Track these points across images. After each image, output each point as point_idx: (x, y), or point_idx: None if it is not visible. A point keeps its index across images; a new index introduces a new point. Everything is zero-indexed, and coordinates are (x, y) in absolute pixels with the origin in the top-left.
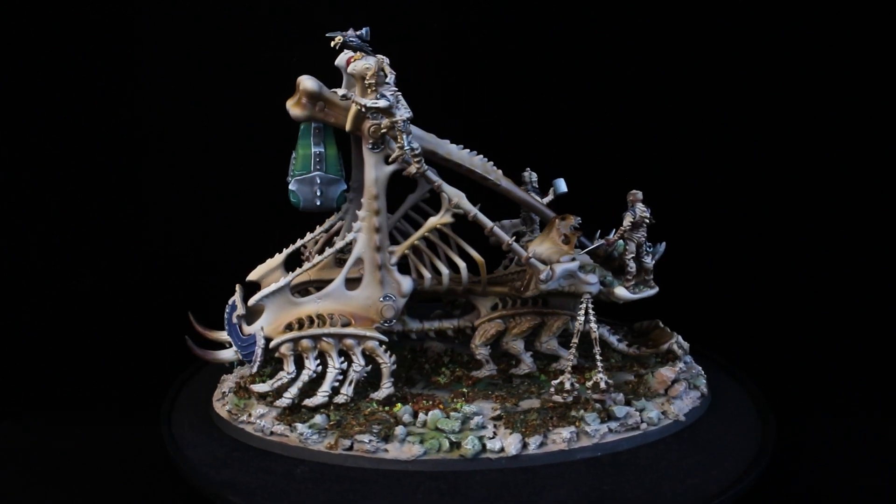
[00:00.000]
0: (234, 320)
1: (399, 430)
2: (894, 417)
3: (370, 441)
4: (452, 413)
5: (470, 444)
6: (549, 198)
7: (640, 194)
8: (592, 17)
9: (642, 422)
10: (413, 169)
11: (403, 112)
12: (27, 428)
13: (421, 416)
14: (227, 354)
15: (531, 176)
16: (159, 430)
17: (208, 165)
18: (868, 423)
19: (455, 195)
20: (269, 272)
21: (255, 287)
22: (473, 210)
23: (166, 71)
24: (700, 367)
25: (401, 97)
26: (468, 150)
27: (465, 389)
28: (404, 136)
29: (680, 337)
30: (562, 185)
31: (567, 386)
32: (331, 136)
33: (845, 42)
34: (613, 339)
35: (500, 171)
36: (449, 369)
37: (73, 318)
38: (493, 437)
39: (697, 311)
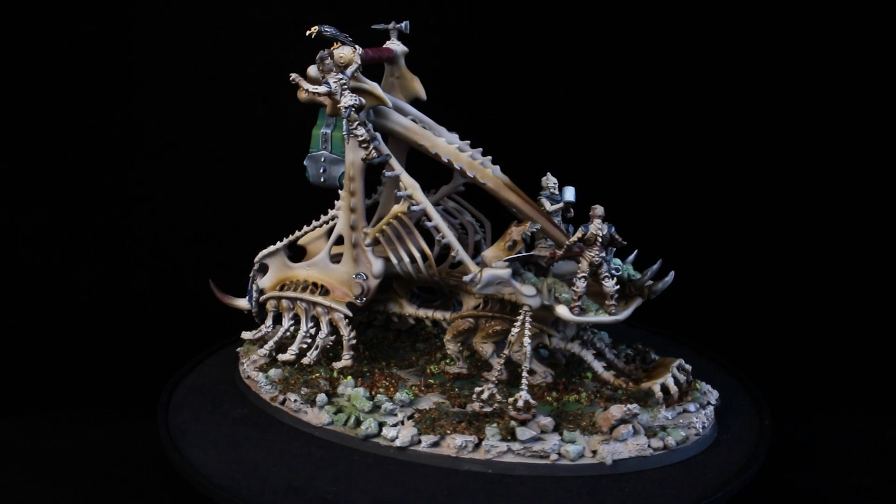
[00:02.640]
0: (252, 273)
1: (321, 397)
2: (892, 416)
3: (295, 401)
4: (379, 395)
5: (366, 426)
6: (558, 205)
7: (599, 210)
8: (591, 18)
9: (556, 453)
10: (363, 155)
11: (347, 100)
12: (23, 427)
13: (348, 390)
14: (242, 303)
15: (548, 181)
16: (156, 426)
17: (206, 164)
18: (866, 422)
19: (410, 186)
20: (315, 239)
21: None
22: (424, 202)
23: (164, 70)
24: (699, 424)
25: (363, 82)
26: (460, 146)
27: (431, 381)
28: (344, 122)
29: (670, 381)
30: (568, 194)
31: (485, 396)
32: (340, 120)
33: (844, 43)
34: (598, 366)
35: (488, 170)
36: (448, 363)
37: (70, 316)
38: (394, 426)
39: (697, 311)
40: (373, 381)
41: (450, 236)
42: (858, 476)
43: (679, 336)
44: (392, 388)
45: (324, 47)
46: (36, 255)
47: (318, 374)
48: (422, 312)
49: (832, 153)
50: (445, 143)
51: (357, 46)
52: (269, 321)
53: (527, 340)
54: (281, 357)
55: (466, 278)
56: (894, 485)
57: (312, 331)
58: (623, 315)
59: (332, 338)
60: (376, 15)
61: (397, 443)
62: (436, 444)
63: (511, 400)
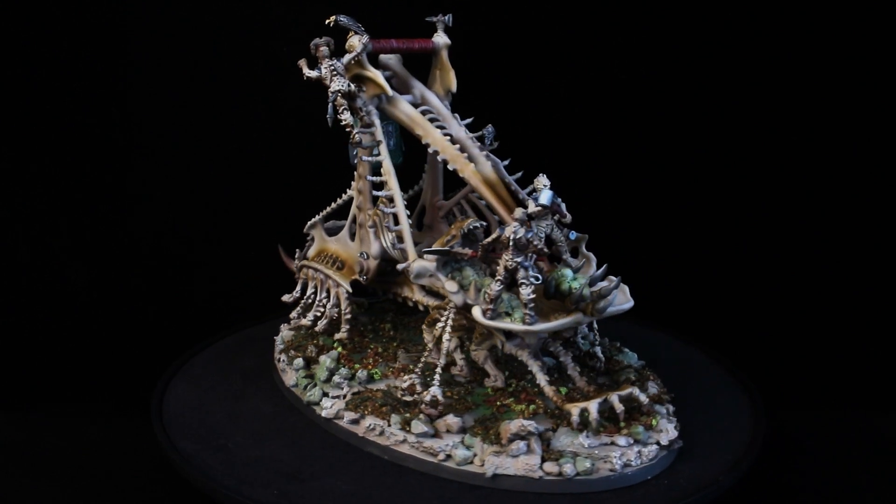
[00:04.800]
0: (307, 241)
1: (297, 361)
2: (889, 415)
3: (282, 362)
4: (342, 369)
5: (310, 393)
6: (536, 208)
7: (517, 213)
8: (591, 18)
9: (445, 454)
10: (350, 138)
11: (335, 85)
12: (23, 425)
13: (323, 359)
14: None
15: (539, 182)
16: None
17: (206, 164)
18: (863, 420)
19: (386, 172)
20: None
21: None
22: (394, 189)
23: (163, 70)
24: (618, 460)
25: (367, 70)
26: (453, 138)
27: (412, 366)
28: (330, 106)
29: (593, 406)
30: (542, 197)
31: (405, 385)
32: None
33: (844, 43)
34: (542, 378)
35: (471, 166)
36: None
37: (69, 315)
38: (333, 399)
39: (697, 310)
40: (362, 356)
41: (403, 225)
42: (855, 474)
43: (679, 335)
44: (371, 366)
45: (341, 36)
46: (36, 255)
47: (315, 341)
48: (426, 299)
49: (832, 153)
50: (439, 135)
51: (366, 36)
52: (298, 287)
53: (446, 337)
54: (303, 321)
55: (399, 267)
56: (892, 483)
57: (325, 301)
58: (540, 327)
59: (337, 309)
60: (376, 15)
61: (324, 413)
62: (355, 423)
63: (424, 393)
